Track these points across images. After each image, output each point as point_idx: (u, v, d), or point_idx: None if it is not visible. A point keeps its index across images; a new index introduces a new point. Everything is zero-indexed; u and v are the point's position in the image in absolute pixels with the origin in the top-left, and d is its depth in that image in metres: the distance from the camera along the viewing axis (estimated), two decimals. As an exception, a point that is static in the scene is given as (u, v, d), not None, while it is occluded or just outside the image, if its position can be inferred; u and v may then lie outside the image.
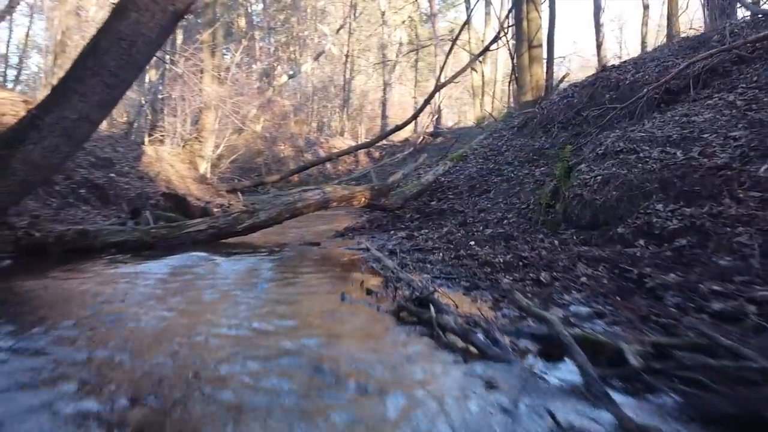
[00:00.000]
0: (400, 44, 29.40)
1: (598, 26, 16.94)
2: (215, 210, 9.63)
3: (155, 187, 9.26)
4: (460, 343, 1.94)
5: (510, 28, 10.71)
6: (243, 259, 4.16)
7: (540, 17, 10.41)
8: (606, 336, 1.83)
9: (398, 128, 10.99)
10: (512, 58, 11.21)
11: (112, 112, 16.29)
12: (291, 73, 24.56)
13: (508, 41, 10.86)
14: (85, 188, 7.44)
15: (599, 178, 4.18)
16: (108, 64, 3.81)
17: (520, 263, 3.41)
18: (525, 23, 10.16)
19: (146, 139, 15.93)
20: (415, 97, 33.23)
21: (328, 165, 24.48)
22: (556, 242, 3.94)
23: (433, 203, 6.84)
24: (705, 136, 4.00)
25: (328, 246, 4.94)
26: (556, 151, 6.65)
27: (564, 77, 11.85)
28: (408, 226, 5.91)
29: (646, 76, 6.21)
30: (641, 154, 4.17)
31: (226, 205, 10.19)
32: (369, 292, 2.84)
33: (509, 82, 12.47)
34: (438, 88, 10.76)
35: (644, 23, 15.84)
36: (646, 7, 15.78)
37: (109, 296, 2.80)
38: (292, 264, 4.00)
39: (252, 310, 2.52)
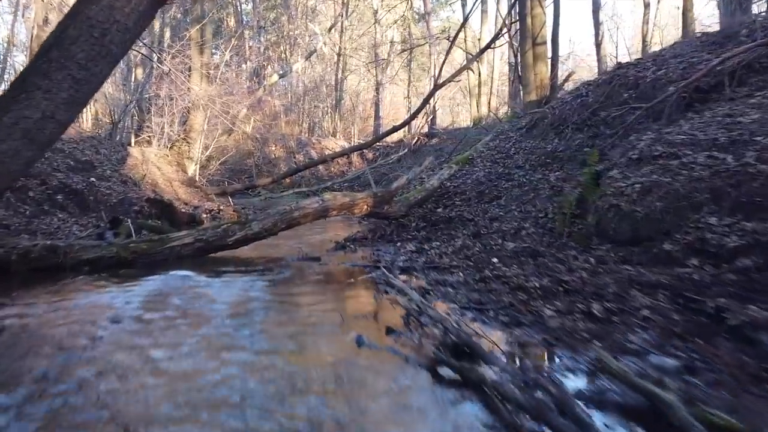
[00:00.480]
0: (392, 43, 28.93)
1: (597, 24, 16.58)
2: (204, 216, 9.09)
3: (139, 191, 8.68)
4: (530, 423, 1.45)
5: (513, 25, 10.26)
6: (233, 280, 3.64)
7: (544, 13, 9.96)
8: (734, 418, 1.34)
9: (395, 129, 10.54)
10: (515, 56, 10.75)
11: (84, 110, 15.55)
12: (282, 72, 23.97)
13: (511, 38, 10.41)
14: (62, 194, 6.87)
15: (638, 186, 3.71)
16: (76, 55, 3.28)
17: (560, 288, 2.92)
18: (529, 19, 9.71)
19: (132, 140, 15.33)
20: (408, 98, 32.78)
21: (321, 167, 23.96)
22: (592, 260, 3.46)
23: (439, 210, 6.35)
24: (758, 138, 3.54)
25: (329, 261, 4.43)
26: (571, 153, 6.19)
27: (569, 76, 11.43)
28: (415, 237, 5.41)
29: (670, 74, 5.76)
30: (684, 160, 3.70)
31: (216, 211, 9.64)
32: (389, 331, 2.33)
33: (512, 81, 12.02)
34: (437, 88, 10.31)
35: (645, 21, 15.51)
36: (647, 5, 15.45)
37: (67, 343, 2.27)
38: (291, 287, 3.49)
39: (246, 365, 2.00)
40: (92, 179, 7.70)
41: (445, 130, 20.21)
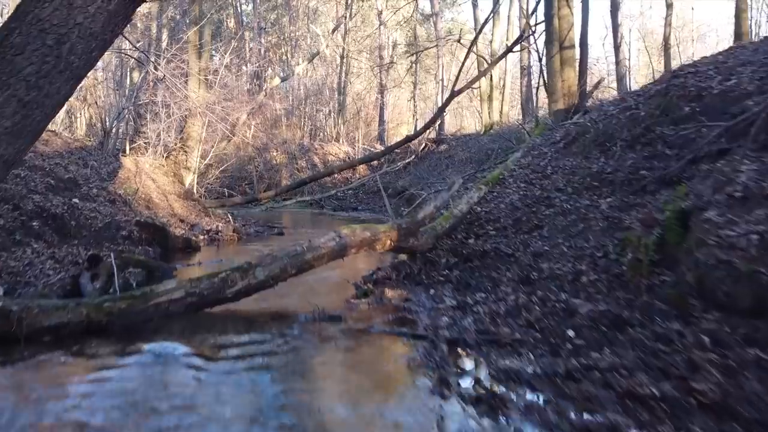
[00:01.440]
0: (394, 45, 28.10)
1: (615, 26, 15.76)
2: (201, 238, 8.26)
3: (129, 212, 7.84)
4: None
5: (537, 26, 9.46)
6: (235, 361, 2.81)
7: (572, 14, 9.17)
8: None
9: (410, 139, 9.74)
10: (539, 60, 9.95)
11: (77, 116, 14.58)
12: (284, 75, 23.16)
13: (536, 40, 9.61)
14: (39, 220, 6.03)
15: (755, 238, 2.87)
16: (24, 70, 2.45)
17: (692, 401, 2.08)
18: (555, 21, 8.91)
19: (127, 148, 14.51)
20: (413, 100, 31.94)
21: (323, 170, 23.16)
22: (706, 339, 2.62)
23: (471, 241, 5.52)
24: None
25: (352, 319, 3.60)
26: (624, 176, 5.35)
27: (599, 83, 10.62)
28: (448, 278, 4.58)
29: (744, 85, 4.93)
30: (816, 203, 2.87)
31: (214, 231, 8.80)
32: None
33: (536, 88, 11.20)
34: (453, 95, 9.50)
35: (668, 23, 14.70)
36: (669, 5, 14.63)
37: None
38: (312, 375, 2.66)
39: None
40: (75, 200, 6.86)
41: (453, 136, 19.41)
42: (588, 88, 9.52)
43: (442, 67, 21.53)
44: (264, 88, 21.50)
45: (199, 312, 3.64)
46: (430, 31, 27.34)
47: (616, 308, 3.24)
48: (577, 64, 9.40)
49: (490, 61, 16.56)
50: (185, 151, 13.44)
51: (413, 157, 20.51)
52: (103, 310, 3.32)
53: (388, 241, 4.74)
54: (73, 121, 19.84)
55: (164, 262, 6.71)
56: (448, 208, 5.91)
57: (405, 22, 27.29)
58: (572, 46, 9.19)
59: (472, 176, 9.33)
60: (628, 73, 17.11)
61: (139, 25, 16.79)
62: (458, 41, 13.69)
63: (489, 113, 17.47)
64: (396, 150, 24.21)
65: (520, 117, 19.12)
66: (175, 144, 13.49)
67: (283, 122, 26.48)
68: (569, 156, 6.50)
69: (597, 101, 8.76)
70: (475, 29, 18.21)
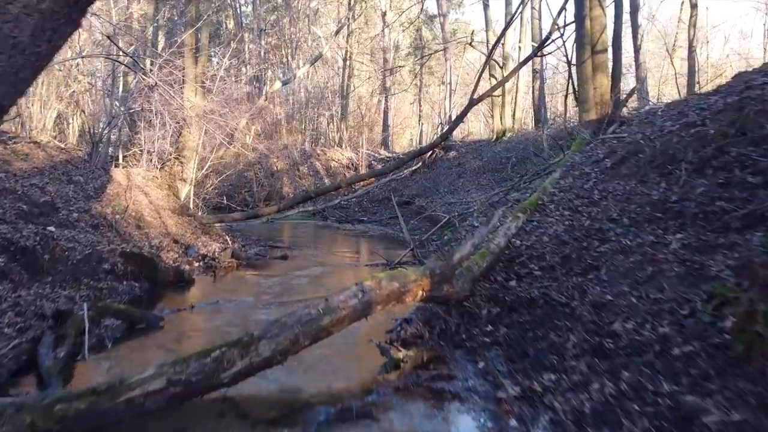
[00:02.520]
0: (396, 48, 27.24)
1: (635, 28, 14.90)
2: (195, 266, 7.41)
3: (114, 238, 6.98)
4: None
5: (566, 27, 8.61)
6: None
7: (605, 15, 8.32)
8: None
9: (424, 151, 8.91)
10: (568, 65, 9.10)
11: (69, 123, 13.77)
12: (285, 79, 22.33)
13: (564, 42, 8.76)
14: (5, 255, 5.18)
15: None
16: None
17: None
18: (587, 23, 8.07)
19: (120, 157, 13.68)
20: (418, 104, 31.09)
21: (327, 181, 22.30)
22: None
23: (512, 284, 4.66)
24: None
25: (386, 418, 2.74)
26: (698, 207, 4.49)
27: (633, 91, 9.79)
28: (494, 338, 3.74)
29: None
30: None
31: (211, 256, 7.94)
32: None
33: (565, 96, 10.36)
34: (474, 102, 8.66)
35: (692, 24, 13.85)
36: (694, 6, 13.79)
37: None
38: None
39: None
40: (50, 228, 6.00)
41: (462, 143, 18.56)
42: (621, 96, 8.69)
43: (450, 69, 20.68)
44: (264, 92, 20.65)
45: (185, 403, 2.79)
46: (435, 32, 26.50)
47: (753, 418, 2.38)
48: (609, 70, 8.55)
49: (502, 65, 15.73)
50: (181, 162, 12.59)
51: (420, 164, 19.68)
52: (55, 415, 2.46)
53: (420, 292, 3.89)
54: (66, 128, 18.99)
55: (153, 297, 5.89)
56: (484, 241, 5.04)
57: (410, 23, 26.49)
58: (605, 50, 8.33)
59: (496, 192, 8.46)
60: (646, 78, 16.30)
61: (135, 26, 15.95)
62: (470, 44, 12.83)
63: (501, 119, 16.62)
64: (400, 154, 23.40)
65: (533, 123, 18.28)
66: (170, 154, 12.64)
67: (284, 127, 25.63)
68: (619, 178, 5.64)
69: (632, 111, 7.93)
70: (486, 30, 17.39)
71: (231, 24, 32.50)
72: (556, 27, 8.04)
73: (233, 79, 32.38)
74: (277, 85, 20.25)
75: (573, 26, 8.51)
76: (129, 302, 5.32)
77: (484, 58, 16.32)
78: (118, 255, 6.09)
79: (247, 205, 21.79)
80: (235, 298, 5.80)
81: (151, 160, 12.59)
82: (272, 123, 25.58)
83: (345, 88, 24.78)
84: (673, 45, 18.21)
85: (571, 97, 9.30)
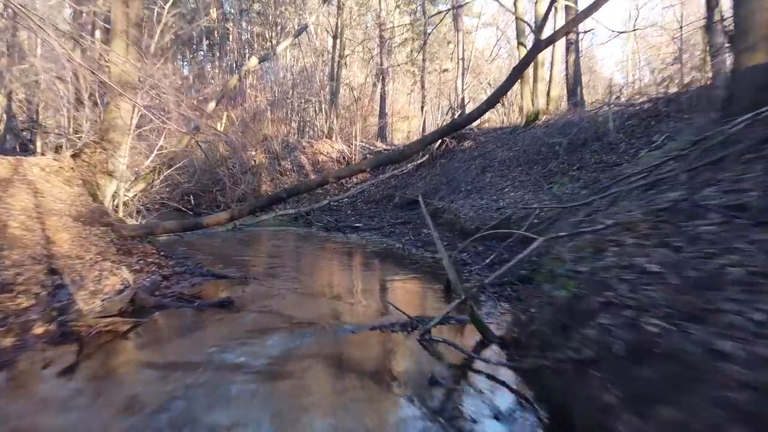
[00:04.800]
0: (392, 29, 23.56)
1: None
2: (35, 336, 3.85)
3: None
4: None
5: None
6: None
7: None
8: None
9: (458, 127, 5.48)
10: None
11: None
12: (263, 55, 18.70)
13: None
14: None
15: None
16: None
17: None
18: None
19: (39, 142, 10.08)
20: (415, 86, 27.49)
21: (313, 178, 18.73)
22: None
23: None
24: None
25: None
26: None
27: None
28: None
29: None
30: None
31: (104, 295, 4.39)
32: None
33: (705, 27, 6.82)
34: (541, 45, 5.20)
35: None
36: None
37: None
38: None
39: None
40: None
41: (480, 130, 15.06)
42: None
43: (462, 42, 17.15)
44: (239, 70, 17.04)
45: None
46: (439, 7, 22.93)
47: None
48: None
49: (534, 28, 12.25)
50: (104, 149, 8.94)
51: (427, 156, 16.15)
52: None
53: None
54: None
55: None
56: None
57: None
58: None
59: (571, 192, 4.94)
60: None
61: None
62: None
63: (532, 99, 13.16)
64: (400, 146, 19.84)
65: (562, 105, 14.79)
66: (88, 137, 9.03)
67: (267, 116, 22.01)
68: None
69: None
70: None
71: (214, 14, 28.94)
72: None
73: (210, 64, 28.75)
74: (254, 61, 16.63)
75: None
76: None
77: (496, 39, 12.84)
78: None
79: (217, 207, 18.20)
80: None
81: (62, 146, 9.00)
82: (251, 111, 21.97)
83: (335, 69, 21.18)
84: None
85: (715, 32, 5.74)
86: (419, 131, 21.37)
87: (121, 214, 9.16)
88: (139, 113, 9.71)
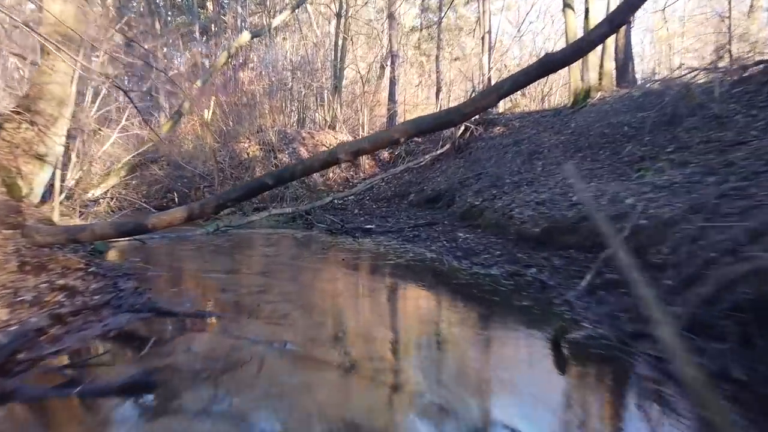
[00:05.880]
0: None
1: None
2: None
3: None
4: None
5: None
6: None
7: None
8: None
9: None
10: None
11: None
12: (255, 30, 16.36)
13: None
14: None
15: None
16: None
17: None
18: None
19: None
20: (420, 81, 25.14)
21: (314, 174, 16.38)
22: None
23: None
24: None
25: None
26: None
27: None
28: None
29: None
30: None
31: None
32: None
33: None
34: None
35: None
36: None
37: None
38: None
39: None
40: None
41: (513, 114, 12.70)
42: None
43: (488, 12, 14.78)
44: (227, 47, 14.70)
45: None
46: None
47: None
48: None
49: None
50: (34, 123, 6.62)
51: (448, 146, 13.78)
52: None
53: None
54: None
55: None
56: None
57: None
58: None
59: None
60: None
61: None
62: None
63: (582, 74, 10.81)
64: (417, 137, 17.46)
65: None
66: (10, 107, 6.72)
67: (265, 106, 19.63)
68: None
69: None
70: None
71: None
72: None
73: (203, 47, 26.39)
74: (245, 36, 14.33)
75: None
76: None
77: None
78: None
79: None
80: None
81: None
82: (246, 99, 19.60)
83: (339, 52, 18.82)
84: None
85: None
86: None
87: (57, 214, 6.83)
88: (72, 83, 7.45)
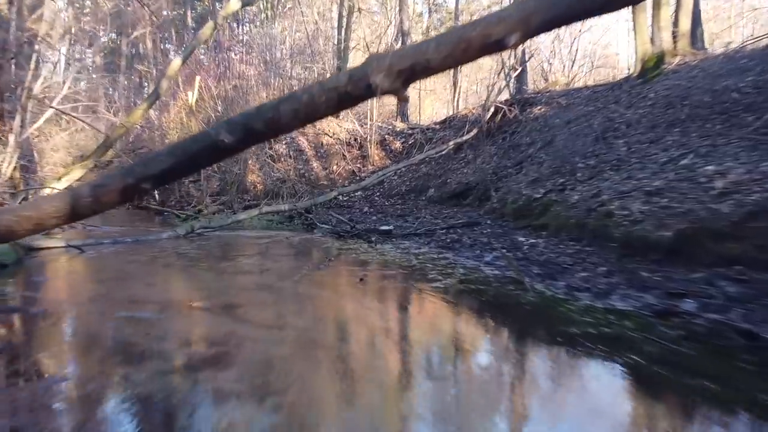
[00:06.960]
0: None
1: None
2: None
3: None
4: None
5: None
6: None
7: None
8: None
9: None
10: None
11: None
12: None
13: None
14: None
15: None
16: None
17: None
18: None
19: None
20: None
21: (315, 166, 14.23)
22: None
23: None
24: None
25: None
26: None
27: None
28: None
29: None
30: None
31: None
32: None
33: None
34: None
35: None
36: None
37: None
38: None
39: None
40: None
41: (554, 92, 10.50)
42: None
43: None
44: (214, 18, 12.51)
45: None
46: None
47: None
48: None
49: None
50: None
51: (475, 131, 11.56)
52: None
53: None
54: None
55: None
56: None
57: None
58: None
59: None
60: None
61: None
62: None
63: (653, 34, 8.58)
64: (435, 125, 15.24)
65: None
66: None
67: (260, 89, 17.41)
68: None
69: None
70: None
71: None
72: None
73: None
74: (235, 4, 12.17)
75: None
76: None
77: None
78: None
79: (189, 203, 13.67)
80: None
81: None
82: (237, 77, 17.40)
83: (343, 29, 16.63)
84: None
85: None
86: (454, 106, 16.81)
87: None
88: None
